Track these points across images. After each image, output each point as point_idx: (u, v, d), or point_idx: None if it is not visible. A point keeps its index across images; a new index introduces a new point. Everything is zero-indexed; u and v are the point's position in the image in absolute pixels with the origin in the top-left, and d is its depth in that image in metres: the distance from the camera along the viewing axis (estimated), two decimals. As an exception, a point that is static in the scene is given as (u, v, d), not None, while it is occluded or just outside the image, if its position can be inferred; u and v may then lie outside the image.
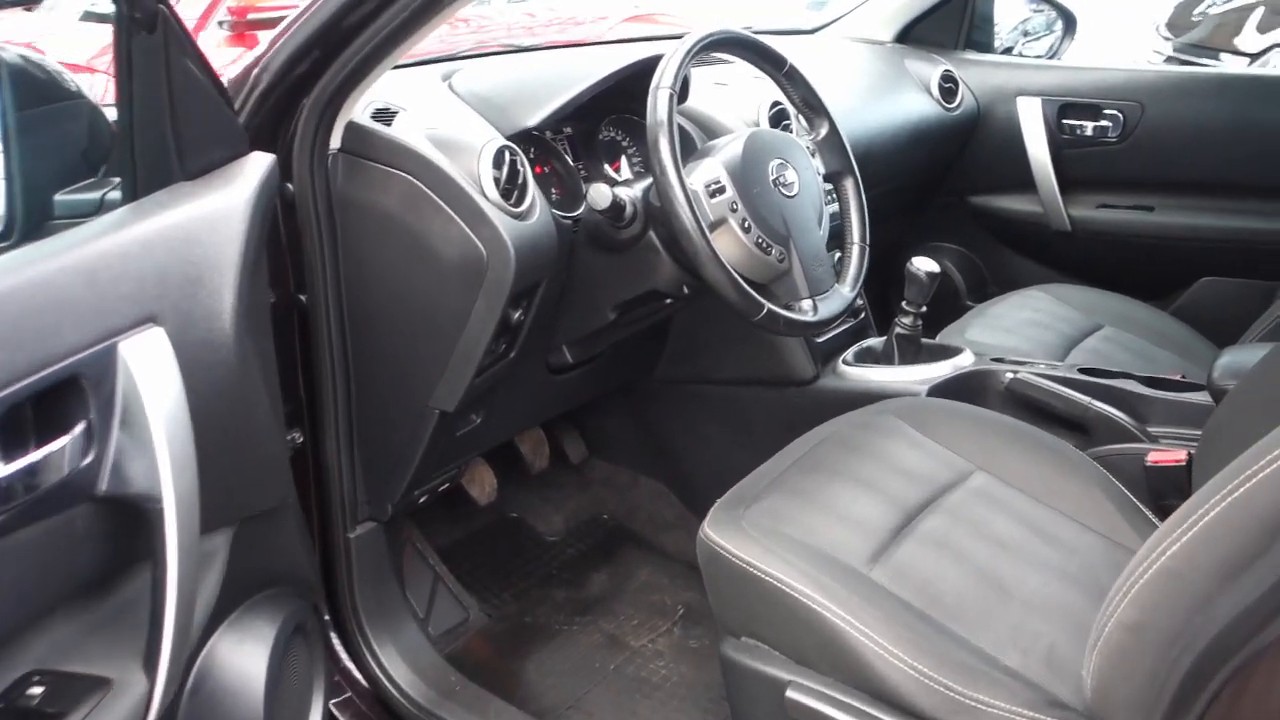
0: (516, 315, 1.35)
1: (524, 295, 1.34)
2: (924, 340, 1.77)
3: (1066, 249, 2.36)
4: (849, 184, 1.55)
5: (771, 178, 1.40)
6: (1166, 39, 5.19)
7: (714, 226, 1.33)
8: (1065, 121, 2.28)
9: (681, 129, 1.67)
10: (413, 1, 1.11)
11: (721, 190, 1.35)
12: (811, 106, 1.53)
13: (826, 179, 1.55)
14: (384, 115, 1.33)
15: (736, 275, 1.29)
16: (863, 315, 1.94)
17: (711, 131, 1.68)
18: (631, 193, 1.39)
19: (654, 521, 2.05)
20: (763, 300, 1.32)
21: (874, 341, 1.84)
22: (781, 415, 1.84)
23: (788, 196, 1.41)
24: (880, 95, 2.21)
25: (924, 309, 1.72)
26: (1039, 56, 2.88)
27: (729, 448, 1.94)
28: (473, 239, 1.27)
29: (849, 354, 1.80)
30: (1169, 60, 5.14)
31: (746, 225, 1.35)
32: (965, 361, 1.70)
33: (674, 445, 2.02)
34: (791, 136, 1.53)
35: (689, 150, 1.53)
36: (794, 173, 1.43)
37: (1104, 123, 2.24)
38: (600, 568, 1.95)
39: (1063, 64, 2.32)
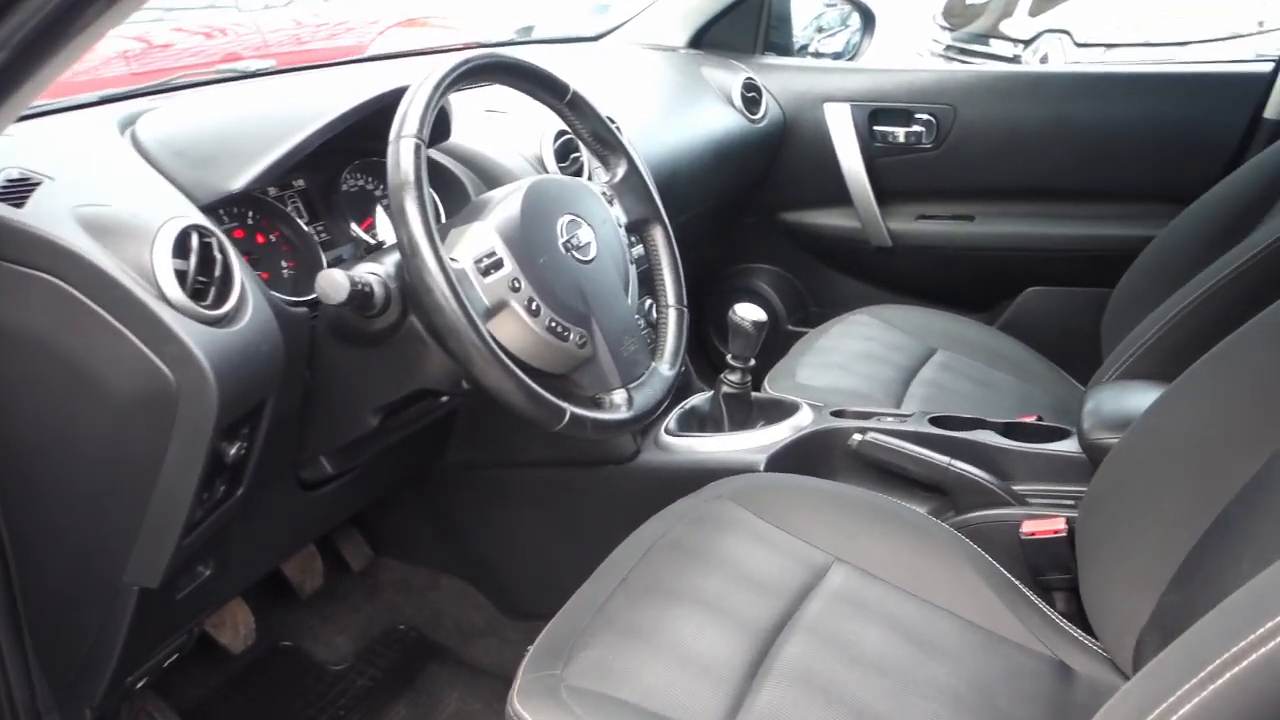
0: (234, 450, 1.00)
1: (241, 423, 0.99)
2: (754, 394, 1.54)
3: (888, 265, 2.19)
4: (658, 234, 1.28)
5: (561, 240, 1.11)
6: (945, 28, 5.26)
7: (491, 313, 1.03)
8: (877, 128, 2.11)
9: (449, 176, 1.35)
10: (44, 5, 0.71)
11: (498, 265, 1.04)
12: (604, 142, 1.25)
13: (629, 229, 1.27)
14: (16, 190, 0.95)
15: (524, 378, 0.99)
16: (682, 368, 1.68)
17: (487, 175, 1.37)
18: (381, 270, 1.06)
19: (460, 629, 1.73)
20: (563, 404, 1.02)
21: (699, 400, 1.59)
22: (599, 498, 1.57)
23: (583, 262, 1.12)
24: (678, 109, 1.96)
25: (752, 362, 1.48)
26: (837, 55, 2.73)
27: (541, 537, 1.65)
28: (153, 361, 0.91)
29: (671, 420, 1.54)
30: (949, 50, 5.21)
31: (534, 307, 1.05)
32: (804, 421, 1.47)
33: (476, 537, 1.71)
34: (582, 182, 1.23)
35: (460, 203, 1.22)
36: (589, 230, 1.14)
37: (916, 128, 2.08)
38: (400, 696, 1.62)
39: (870, 66, 2.14)
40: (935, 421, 1.43)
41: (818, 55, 2.73)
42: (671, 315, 1.26)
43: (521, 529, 1.65)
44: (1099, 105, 1.93)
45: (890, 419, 1.46)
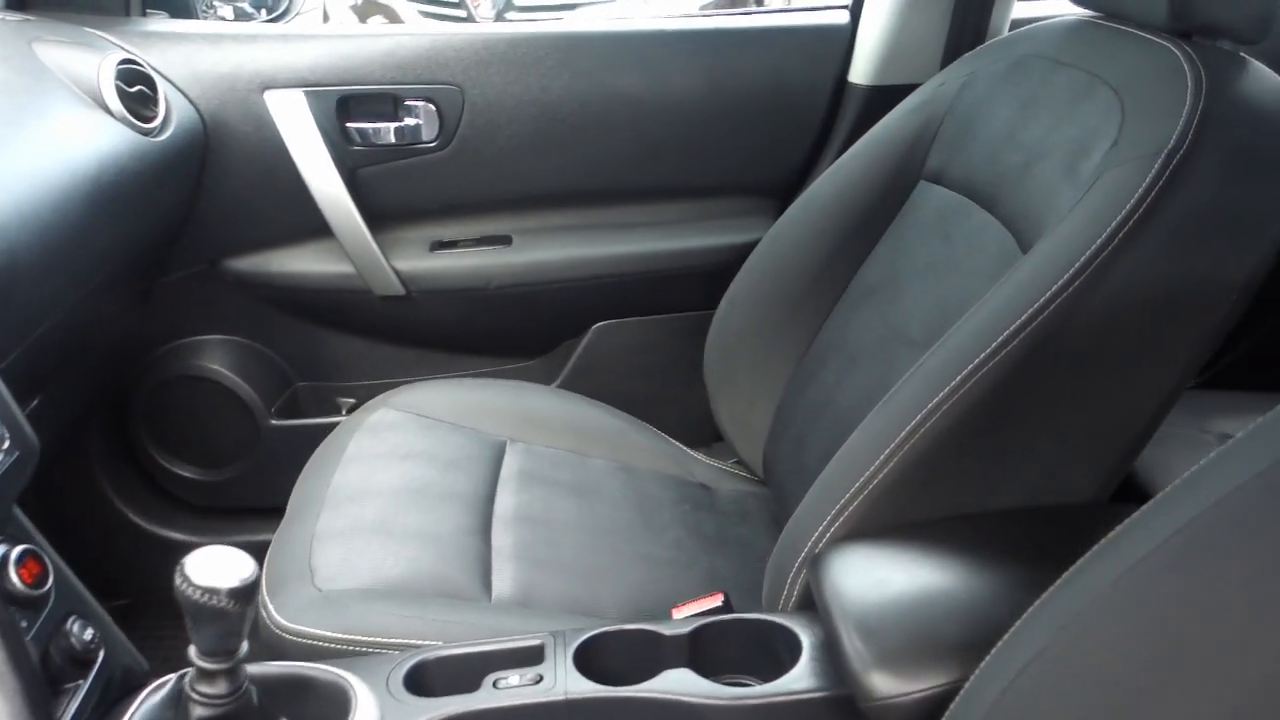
0: None
1: None
2: (247, 669, 0.81)
3: (402, 318, 1.52)
4: None
5: None
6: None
7: None
8: (352, 125, 1.41)
9: None
10: None
11: None
12: None
13: None
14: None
15: None
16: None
17: None
18: None
19: None
20: None
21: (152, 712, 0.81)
22: None
23: None
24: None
25: (244, 649, 0.74)
26: (263, 8, 1.94)
27: None
28: None
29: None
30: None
31: None
32: None
33: None
34: None
35: None
36: None
37: (411, 121, 1.42)
38: None
39: (324, 31, 1.41)
40: (585, 660, 0.82)
41: (238, 10, 1.92)
42: None
43: None
44: (655, 75, 1.42)
45: (515, 678, 0.82)
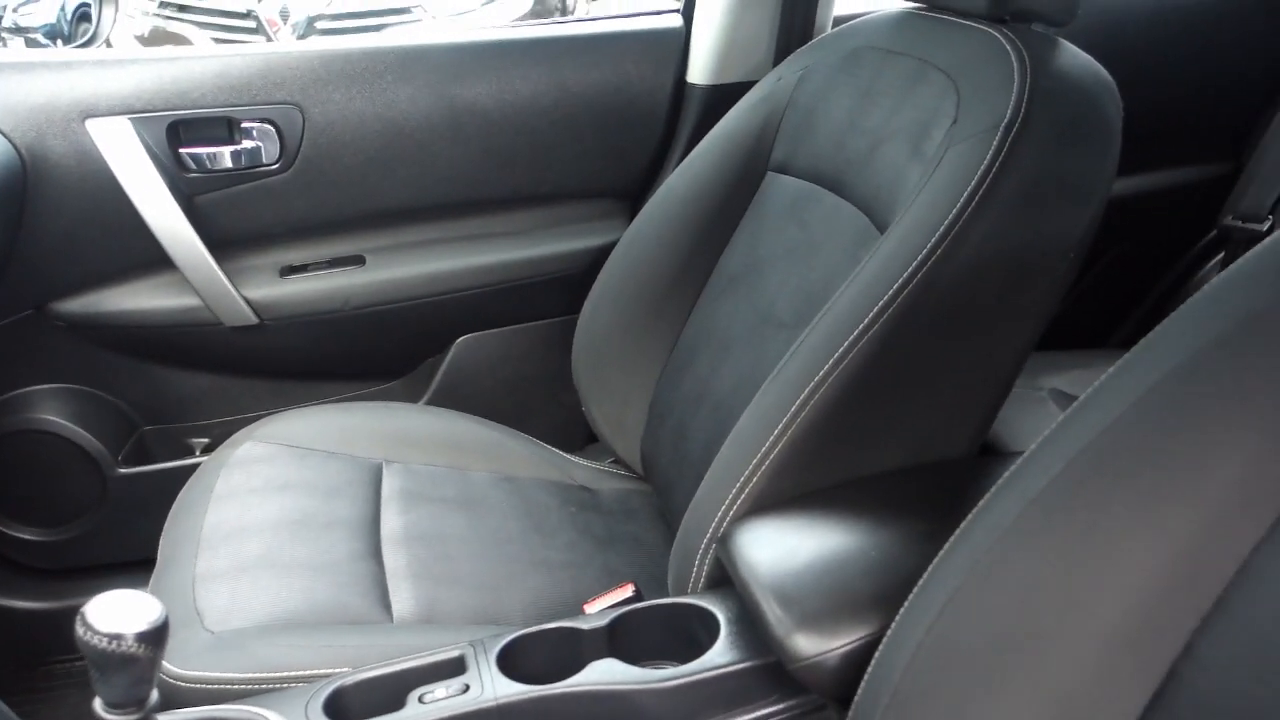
0: None
1: None
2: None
3: (257, 348, 1.46)
4: None
5: None
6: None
7: None
8: (185, 150, 1.35)
9: None
10: None
11: None
12: None
13: None
14: None
15: None
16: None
17: None
18: None
19: None
20: None
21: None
22: None
23: None
24: None
25: (154, 698, 0.70)
26: (52, 35, 1.82)
27: None
28: None
29: None
30: (164, 7, 4.27)
31: None
32: None
33: None
34: None
35: None
36: None
37: (249, 144, 1.36)
38: None
39: (150, 54, 1.33)
40: (508, 664, 0.82)
41: (29, 40, 1.79)
42: None
43: None
44: (499, 84, 1.42)
45: (441, 690, 0.81)
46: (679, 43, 1.48)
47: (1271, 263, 0.52)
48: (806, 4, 1.43)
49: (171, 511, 1.16)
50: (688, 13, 1.48)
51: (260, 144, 1.36)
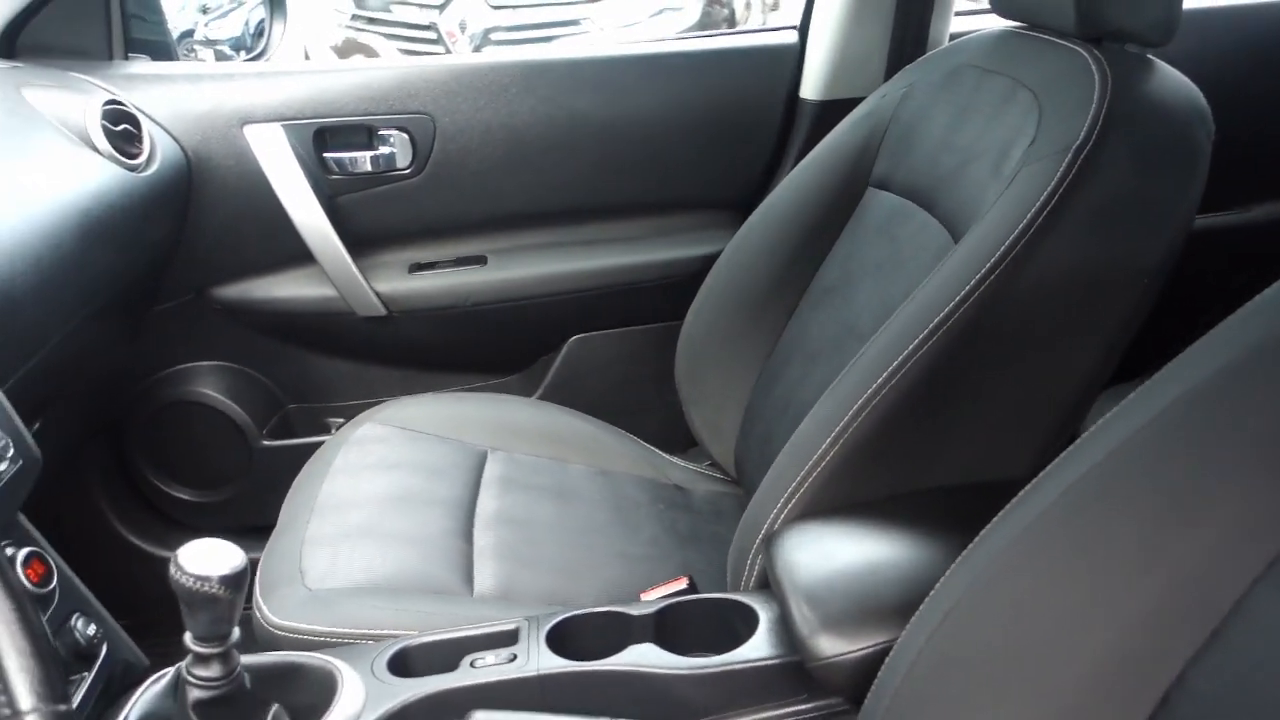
0: None
1: None
2: (247, 659, 0.87)
3: (384, 338, 1.58)
4: None
5: None
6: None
7: None
8: (329, 155, 1.48)
9: None
10: None
11: None
12: None
13: None
14: None
15: None
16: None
17: None
18: None
19: None
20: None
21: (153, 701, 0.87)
22: None
23: None
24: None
25: (235, 636, 0.80)
26: (237, 46, 2.01)
27: None
28: None
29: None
30: (356, 20, 4.59)
31: None
32: (353, 708, 0.84)
33: None
34: None
35: None
36: None
37: (385, 150, 1.48)
38: None
39: (299, 67, 1.48)
40: (558, 641, 0.88)
41: (218, 52, 1.99)
42: None
43: None
44: (615, 97, 1.49)
45: (491, 658, 0.88)
46: (794, 58, 1.51)
47: None
48: (919, 21, 1.44)
49: (295, 481, 1.28)
50: (803, 29, 1.51)
51: (395, 150, 1.48)
